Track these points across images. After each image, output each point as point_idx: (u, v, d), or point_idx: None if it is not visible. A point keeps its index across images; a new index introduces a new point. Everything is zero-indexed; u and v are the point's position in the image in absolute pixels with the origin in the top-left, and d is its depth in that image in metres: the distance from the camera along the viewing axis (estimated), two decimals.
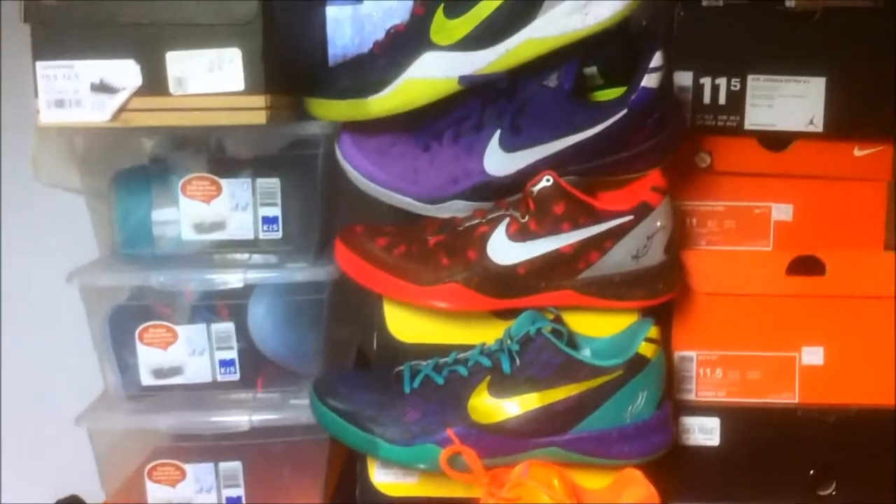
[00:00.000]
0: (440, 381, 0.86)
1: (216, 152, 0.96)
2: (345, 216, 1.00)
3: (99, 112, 0.84)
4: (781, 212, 0.98)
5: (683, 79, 0.94)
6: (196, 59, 0.83)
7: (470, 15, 0.84)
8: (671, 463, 0.89)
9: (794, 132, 0.95)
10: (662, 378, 0.88)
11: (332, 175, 0.95)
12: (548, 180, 0.85)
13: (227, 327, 0.94)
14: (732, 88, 0.94)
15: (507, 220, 0.87)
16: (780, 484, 0.97)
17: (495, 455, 0.85)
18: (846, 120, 0.94)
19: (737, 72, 0.94)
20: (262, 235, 0.93)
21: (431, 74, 0.85)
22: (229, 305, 0.94)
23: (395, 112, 0.87)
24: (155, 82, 0.83)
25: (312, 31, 0.99)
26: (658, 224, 0.87)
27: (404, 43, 0.87)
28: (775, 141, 0.96)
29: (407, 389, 0.86)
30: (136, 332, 0.93)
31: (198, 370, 0.94)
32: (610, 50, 0.89)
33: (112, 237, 0.95)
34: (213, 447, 0.95)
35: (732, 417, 0.96)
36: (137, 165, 0.95)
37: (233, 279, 0.91)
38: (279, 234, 0.93)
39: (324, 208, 0.96)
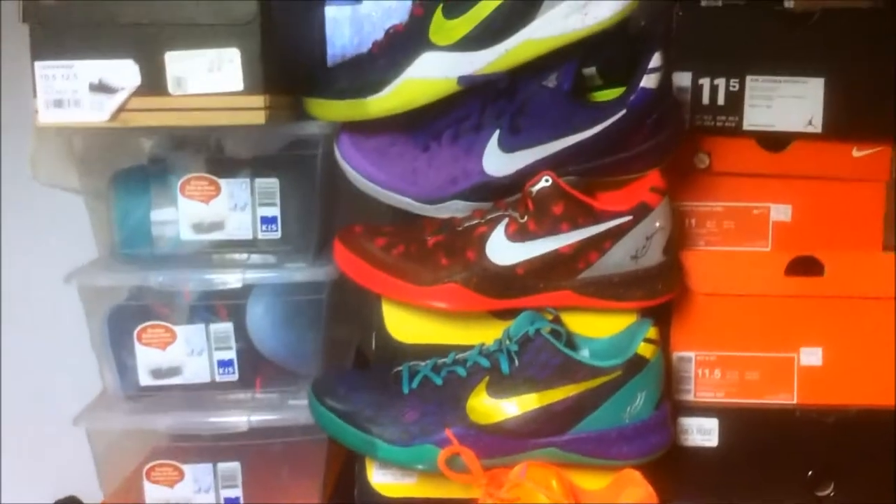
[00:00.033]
0: (439, 381, 0.86)
1: (215, 152, 0.96)
2: (344, 216, 1.00)
3: (98, 112, 0.84)
4: (780, 212, 0.98)
5: (682, 79, 0.94)
6: (195, 59, 0.83)
7: (469, 15, 0.84)
8: (670, 463, 0.89)
9: (792, 133, 0.95)
10: (661, 379, 0.88)
11: (330, 175, 0.95)
12: (547, 181, 0.85)
13: (225, 327, 0.94)
14: (731, 89, 0.94)
15: (506, 221, 0.87)
16: (779, 485, 0.97)
17: (494, 455, 0.85)
18: (845, 121, 0.95)
19: (735, 72, 0.94)
20: (260, 235, 0.93)
21: (430, 75, 0.85)
22: (228, 305, 0.94)
23: (394, 112, 0.87)
24: (154, 82, 0.83)
25: (311, 32, 0.99)
26: (657, 224, 0.88)
27: (403, 43, 0.87)
28: (774, 141, 0.96)
29: (405, 390, 0.86)
30: (135, 332, 0.93)
31: (196, 370, 0.94)
32: (609, 50, 0.89)
33: (111, 237, 0.95)
34: (212, 447, 0.95)
35: (731, 418, 0.96)
36: (136, 165, 0.95)
37: (231, 279, 0.91)
38: (278, 235, 0.93)
39: (323, 208, 0.96)
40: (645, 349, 0.86)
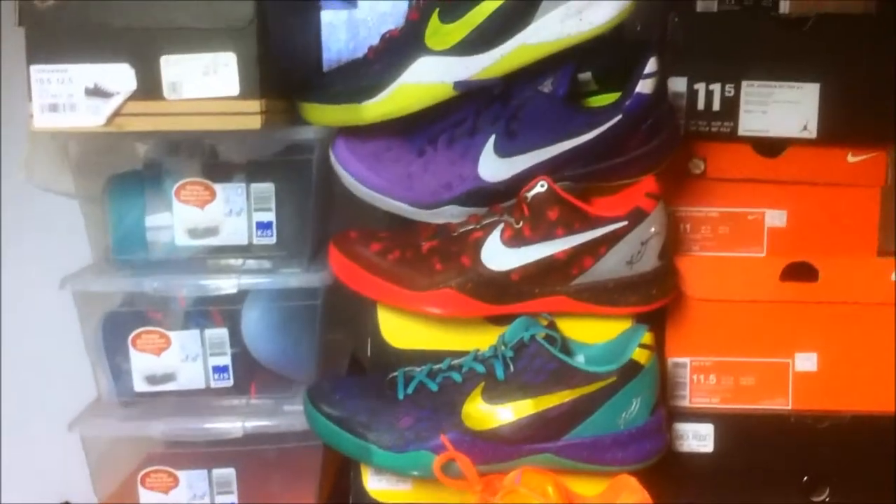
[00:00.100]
0: (434, 387, 0.86)
1: (210, 157, 0.95)
2: (339, 221, 1.00)
3: (93, 116, 0.83)
4: (775, 218, 0.98)
5: (678, 84, 0.94)
6: (190, 63, 0.83)
7: (465, 20, 0.84)
8: (665, 469, 0.89)
9: (787, 138, 0.96)
10: (656, 384, 0.88)
11: (326, 180, 0.95)
12: (542, 186, 0.85)
13: (220, 333, 0.94)
14: (726, 94, 0.94)
15: (501, 226, 0.87)
16: (774, 490, 0.97)
17: (489, 461, 0.85)
18: (840, 126, 0.95)
19: (731, 78, 0.94)
20: (256, 241, 0.93)
21: (426, 79, 0.85)
22: (223, 311, 0.94)
23: (389, 117, 0.87)
24: (149, 87, 0.83)
25: (307, 36, 0.99)
26: (652, 230, 0.88)
27: (399, 48, 0.87)
28: (769, 147, 0.97)
29: (401, 396, 0.86)
30: (130, 337, 0.93)
31: (191, 376, 0.94)
32: (604, 56, 0.89)
33: (105, 242, 0.94)
34: (207, 454, 0.94)
35: (726, 424, 0.96)
36: (131, 170, 0.95)
37: (226, 285, 0.91)
38: (273, 240, 0.93)
39: (318, 213, 0.96)
40: (640, 355, 0.86)
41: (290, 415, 0.92)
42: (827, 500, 0.97)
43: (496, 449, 0.85)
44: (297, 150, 0.93)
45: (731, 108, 0.94)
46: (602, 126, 0.86)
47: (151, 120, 0.84)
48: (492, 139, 0.87)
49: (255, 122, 0.84)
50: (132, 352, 0.93)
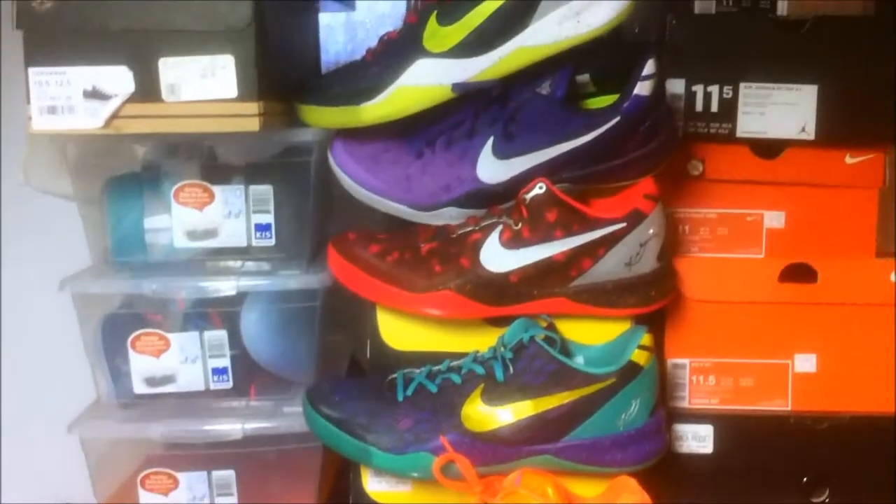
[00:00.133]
0: (433, 388, 0.86)
1: (209, 159, 0.96)
2: (337, 223, 1.00)
3: (91, 119, 0.83)
4: (773, 219, 0.98)
5: (676, 86, 0.94)
6: (189, 65, 0.83)
7: (463, 22, 0.84)
8: (665, 470, 0.89)
9: (786, 140, 0.96)
10: (655, 385, 0.88)
11: (324, 182, 0.95)
12: (541, 188, 0.85)
13: (219, 335, 0.94)
14: (724, 96, 0.94)
15: (500, 228, 0.87)
16: (774, 491, 0.97)
17: (489, 463, 0.85)
18: (838, 128, 0.95)
19: (729, 79, 0.94)
20: (254, 243, 0.93)
21: (424, 81, 0.85)
22: (222, 313, 0.94)
23: (387, 119, 0.87)
24: (147, 89, 0.83)
25: (305, 38, 0.99)
26: (650, 231, 0.88)
27: (397, 50, 0.87)
28: (767, 148, 0.97)
29: (400, 397, 0.86)
30: (129, 339, 0.93)
31: (190, 378, 0.94)
32: (603, 57, 0.90)
33: (104, 244, 0.94)
34: (206, 455, 0.94)
35: (726, 425, 0.96)
36: (130, 172, 0.95)
37: (225, 287, 0.91)
38: (272, 242, 0.93)
39: (317, 215, 0.96)
40: (639, 356, 0.86)
41: (290, 416, 0.92)
42: (826, 500, 0.97)
43: (496, 450, 0.85)
44: (295, 153, 0.93)
45: (729, 109, 0.94)
46: (600, 128, 0.86)
47: (150, 122, 0.84)
48: (490, 141, 0.87)
49: (253, 125, 0.84)
50: (131, 354, 0.93)
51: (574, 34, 0.83)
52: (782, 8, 0.97)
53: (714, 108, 0.94)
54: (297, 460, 0.95)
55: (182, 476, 0.94)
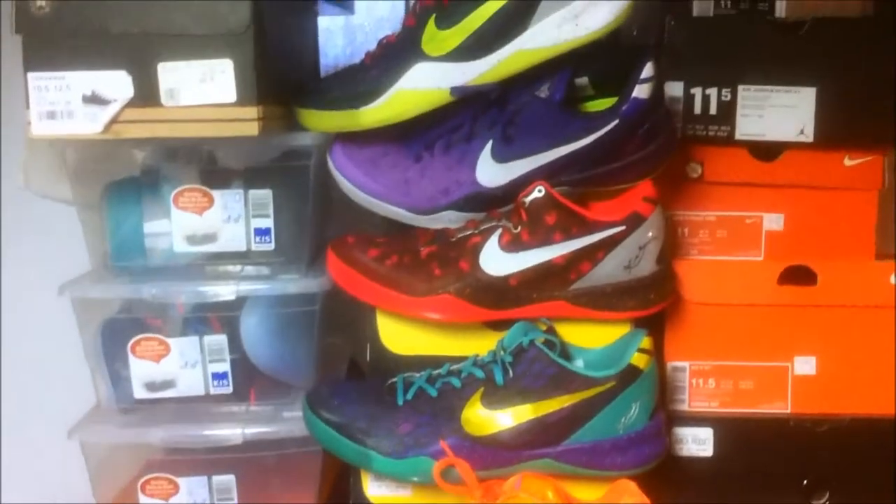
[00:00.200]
0: (433, 392, 0.86)
1: (208, 163, 0.95)
2: (337, 227, 1.00)
3: (91, 124, 0.83)
4: (772, 221, 0.98)
5: (674, 89, 0.94)
6: (188, 70, 0.83)
7: (461, 26, 0.84)
8: (665, 473, 0.89)
9: (784, 142, 0.96)
10: (655, 389, 0.88)
11: (323, 186, 0.95)
12: (540, 191, 0.85)
13: (219, 340, 0.94)
14: (723, 98, 0.94)
15: (499, 231, 0.87)
16: (774, 494, 0.97)
17: (489, 467, 0.85)
18: (837, 130, 0.95)
19: (727, 82, 0.94)
20: (254, 247, 0.93)
21: (423, 85, 0.85)
22: (221, 317, 0.94)
23: (386, 123, 0.87)
24: (147, 93, 0.83)
25: (304, 42, 0.99)
26: (650, 234, 0.88)
27: (396, 53, 0.87)
28: (766, 151, 0.97)
29: (400, 401, 0.86)
30: (129, 344, 0.93)
31: (190, 383, 0.94)
32: (601, 60, 0.90)
33: (104, 249, 0.94)
34: (206, 460, 0.94)
35: (726, 427, 0.96)
36: (129, 177, 0.95)
37: (225, 291, 0.91)
38: (271, 246, 0.93)
39: (316, 219, 0.96)
40: (639, 359, 0.86)
41: (290, 421, 0.92)
42: (826, 503, 0.97)
43: (496, 454, 0.85)
44: (294, 156, 0.93)
45: (727, 112, 0.94)
46: (599, 131, 0.86)
47: (149, 127, 0.84)
48: (489, 144, 0.87)
49: (252, 129, 0.84)
50: (131, 358, 0.93)
51: (573, 37, 0.83)
52: (780, 9, 0.97)
53: (713, 110, 0.94)
54: (298, 465, 0.95)
55: (182, 481, 0.94)
